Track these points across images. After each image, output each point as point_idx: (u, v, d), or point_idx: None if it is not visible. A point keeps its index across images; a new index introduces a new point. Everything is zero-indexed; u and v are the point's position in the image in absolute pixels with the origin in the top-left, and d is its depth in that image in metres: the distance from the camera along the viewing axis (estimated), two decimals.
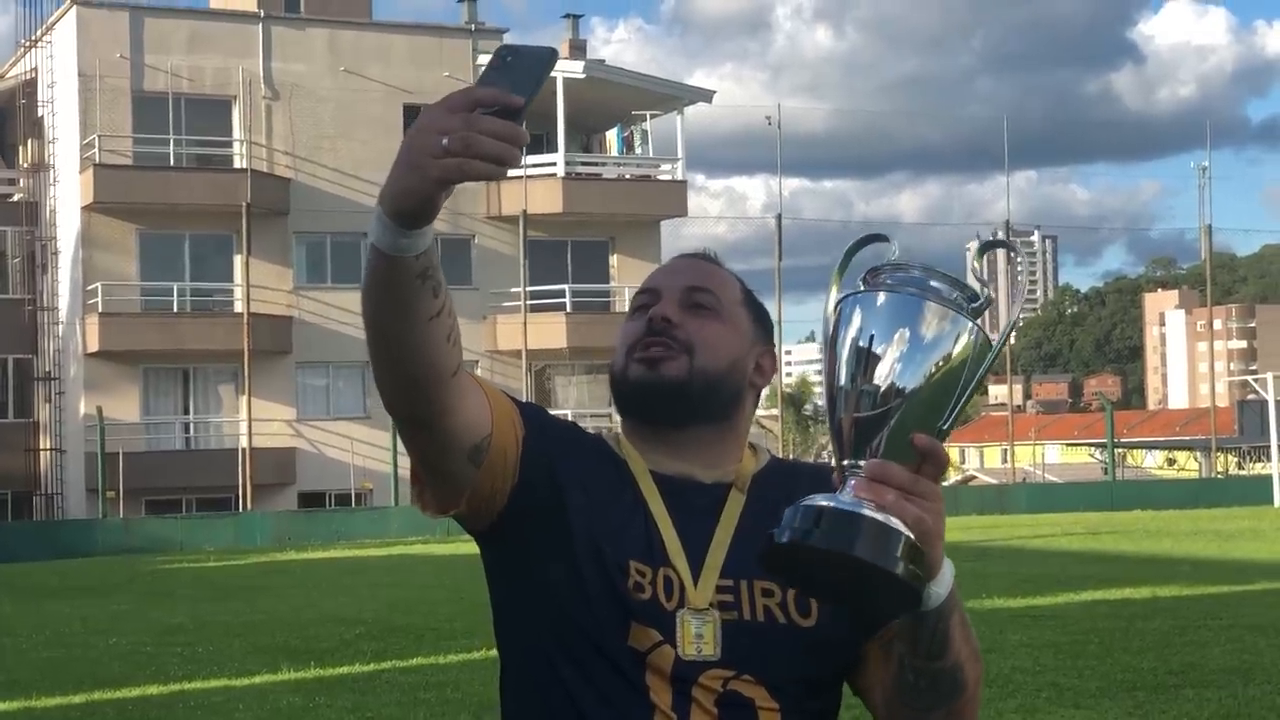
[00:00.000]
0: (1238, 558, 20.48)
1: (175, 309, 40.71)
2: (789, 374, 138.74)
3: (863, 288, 1.82)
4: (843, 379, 1.78)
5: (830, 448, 1.85)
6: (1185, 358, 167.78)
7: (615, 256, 44.57)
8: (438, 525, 32.86)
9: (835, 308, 1.82)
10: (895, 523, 1.72)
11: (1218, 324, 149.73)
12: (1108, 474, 44.48)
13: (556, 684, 2.06)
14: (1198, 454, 59.73)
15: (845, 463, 1.78)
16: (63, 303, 41.28)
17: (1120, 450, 58.25)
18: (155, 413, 40.58)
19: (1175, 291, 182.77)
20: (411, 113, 42.75)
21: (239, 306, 40.25)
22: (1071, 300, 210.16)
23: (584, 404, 42.30)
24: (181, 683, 11.75)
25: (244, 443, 39.18)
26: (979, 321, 1.79)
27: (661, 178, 44.73)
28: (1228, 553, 21.43)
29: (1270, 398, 42.51)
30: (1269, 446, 40.72)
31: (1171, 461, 66.66)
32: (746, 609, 2.05)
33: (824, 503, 1.74)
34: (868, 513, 1.72)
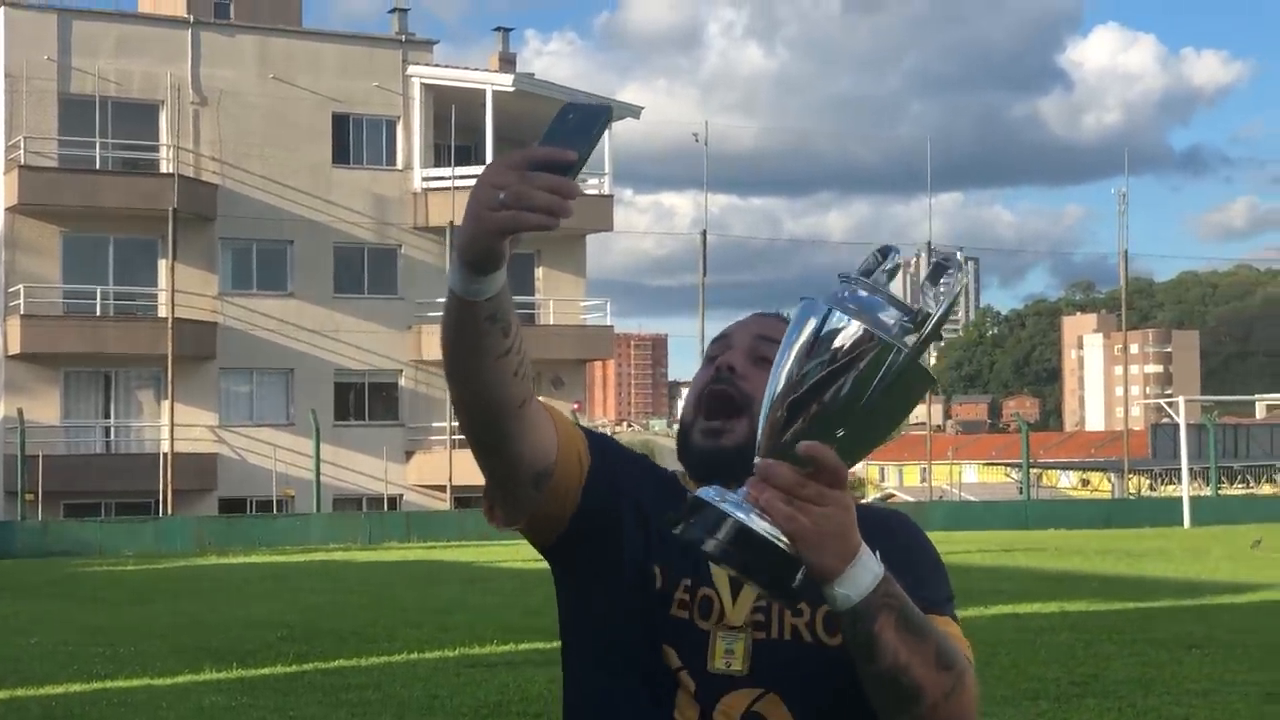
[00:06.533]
0: (1144, 576, 20.94)
1: (98, 312, 40.50)
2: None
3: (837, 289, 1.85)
4: (780, 379, 1.82)
5: None
6: (1102, 381, 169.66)
7: (541, 269, 44.81)
8: (359, 533, 33.00)
9: (799, 305, 1.86)
10: (759, 524, 1.76)
11: (1134, 348, 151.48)
12: (1023, 494, 45.06)
13: (600, 699, 2.21)
14: (1111, 475, 60.57)
15: (756, 460, 1.83)
16: None
17: (1036, 470, 59.06)
18: (76, 416, 40.40)
19: (1094, 315, 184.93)
20: (340, 121, 42.83)
21: (163, 311, 40.13)
22: (992, 322, 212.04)
23: None
24: (105, 681, 11.84)
25: (165, 447, 39.04)
26: (907, 341, 1.79)
27: (588, 192, 44.90)
28: (1135, 571, 21.89)
29: (1182, 421, 43.29)
30: (1180, 469, 41.48)
31: (1085, 482, 67.52)
32: (775, 628, 2.14)
33: (706, 497, 1.80)
34: (727, 508, 1.77)
